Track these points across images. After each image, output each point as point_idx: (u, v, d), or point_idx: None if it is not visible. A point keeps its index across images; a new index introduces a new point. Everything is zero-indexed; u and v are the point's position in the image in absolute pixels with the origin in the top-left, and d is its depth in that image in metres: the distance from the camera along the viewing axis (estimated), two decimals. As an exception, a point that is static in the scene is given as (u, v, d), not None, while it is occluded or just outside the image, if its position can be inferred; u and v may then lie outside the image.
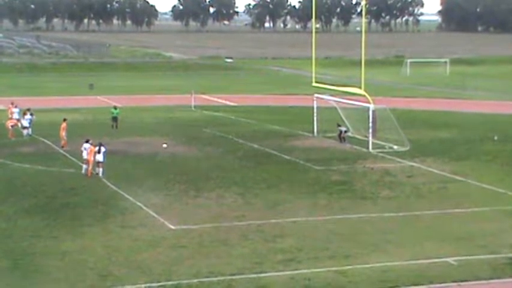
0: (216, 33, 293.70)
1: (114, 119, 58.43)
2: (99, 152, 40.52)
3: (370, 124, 49.70)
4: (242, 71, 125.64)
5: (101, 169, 40.51)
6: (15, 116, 55.49)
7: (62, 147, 48.32)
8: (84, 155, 41.06)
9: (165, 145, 49.74)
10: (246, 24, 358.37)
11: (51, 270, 25.89)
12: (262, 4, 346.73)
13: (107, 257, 27.31)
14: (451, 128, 60.30)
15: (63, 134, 48.69)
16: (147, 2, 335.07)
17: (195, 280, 25.07)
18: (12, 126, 52.99)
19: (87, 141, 41.67)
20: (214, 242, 29.12)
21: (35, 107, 60.47)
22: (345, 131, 52.83)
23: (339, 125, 53.18)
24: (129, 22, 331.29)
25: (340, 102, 56.11)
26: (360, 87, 50.80)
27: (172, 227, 31.19)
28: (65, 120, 49.99)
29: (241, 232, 30.46)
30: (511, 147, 50.87)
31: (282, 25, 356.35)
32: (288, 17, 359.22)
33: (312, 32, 59.53)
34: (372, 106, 49.97)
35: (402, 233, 30.66)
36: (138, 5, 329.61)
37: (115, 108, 60.00)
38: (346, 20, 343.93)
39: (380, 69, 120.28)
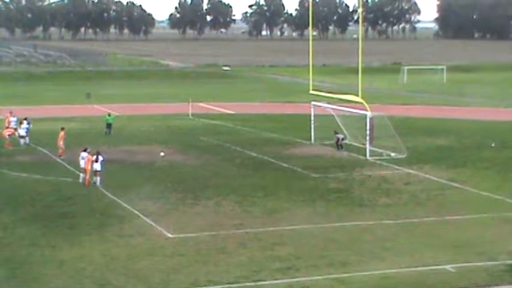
0: (213, 41, 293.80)
1: (109, 125, 59.10)
2: (96, 160, 40.50)
3: (368, 131, 49.73)
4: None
5: (98, 178, 40.48)
6: (12, 125, 55.42)
7: (60, 156, 48.27)
8: (82, 163, 41.03)
9: (162, 153, 49.72)
10: (243, 32, 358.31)
11: (49, 279, 25.86)
12: (259, 12, 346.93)
13: (104, 265, 27.28)
14: (449, 135, 60.34)
15: (60, 143, 48.66)
16: (144, 11, 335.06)
17: (193, 288, 25.09)
18: (9, 135, 52.94)
19: (84, 150, 41.64)
20: (212, 250, 29.10)
21: (32, 115, 60.42)
22: (342, 139, 52.83)
23: (336, 133, 53.20)
24: (126, 31, 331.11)
25: (337, 109, 56.15)
26: (357, 95, 50.85)
27: (170, 235, 31.17)
28: (62, 129, 50.03)
29: (239, 240, 30.44)
30: (508, 154, 50.92)
31: (279, 33, 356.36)
32: (285, 25, 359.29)
33: (309, 40, 59.60)
34: (369, 113, 50.01)
35: (400, 241, 30.66)
36: (135, 14, 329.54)
37: (109, 115, 60.91)
38: (343, 28, 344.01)
39: (377, 76, 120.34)
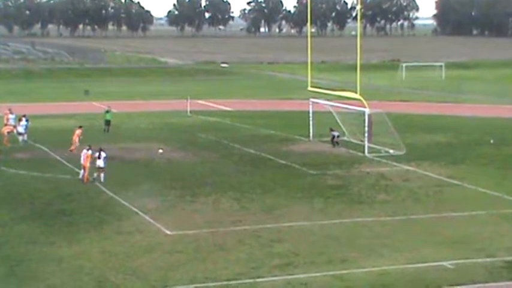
0: (212, 38, 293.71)
1: (107, 122, 59.11)
2: (99, 157, 40.62)
3: (366, 128, 49.74)
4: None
5: (102, 174, 40.56)
6: (11, 122, 55.37)
7: (71, 150, 48.27)
8: (82, 160, 41.05)
9: (160, 151, 49.74)
10: (241, 29, 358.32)
11: (48, 277, 25.86)
12: (257, 9, 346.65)
13: (103, 263, 27.29)
14: (447, 131, 60.37)
15: (76, 139, 48.85)
16: (143, 8, 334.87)
17: (192, 286, 25.08)
18: (8, 132, 52.97)
19: (89, 147, 41.73)
20: (211, 247, 29.11)
21: (31, 113, 60.38)
22: (338, 136, 52.74)
23: (332, 130, 53.09)
24: (124, 27, 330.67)
25: (335, 106, 56.15)
26: (356, 92, 50.85)
27: (169, 232, 31.17)
28: (80, 127, 50.68)
29: (237, 237, 30.45)
30: (507, 151, 50.95)
31: (277, 30, 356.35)
32: (284, 22, 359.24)
33: (307, 37, 59.58)
34: (367, 110, 50.00)
35: (398, 237, 30.67)
36: (133, 11, 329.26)
37: (107, 111, 60.92)
38: (342, 25, 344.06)
39: (375, 73, 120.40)
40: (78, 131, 49.64)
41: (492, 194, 38.36)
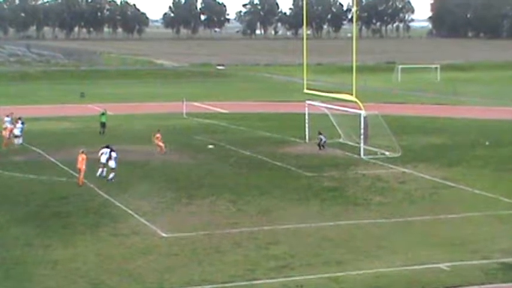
0: (207, 41, 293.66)
1: (103, 124, 59.14)
2: (110, 157, 41.08)
3: (362, 130, 49.74)
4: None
5: (111, 174, 40.74)
6: (7, 125, 55.17)
7: (164, 152, 49.57)
8: (102, 159, 41.50)
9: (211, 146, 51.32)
10: (237, 31, 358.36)
11: (43, 279, 25.81)
12: (253, 11, 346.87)
13: (98, 265, 27.24)
14: (443, 133, 60.40)
15: (157, 142, 49.94)
16: (138, 10, 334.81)
17: (188, 288, 25.07)
18: (9, 134, 52.98)
19: (106, 147, 42.31)
20: (207, 250, 29.08)
21: (26, 115, 60.25)
22: (325, 141, 52.45)
23: (320, 133, 52.85)
24: (120, 30, 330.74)
25: (331, 108, 56.15)
26: (352, 94, 50.85)
27: (164, 234, 31.13)
28: (158, 130, 51.62)
29: (233, 239, 30.42)
30: (503, 153, 50.99)
31: (273, 32, 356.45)
32: (279, 24, 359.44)
33: (303, 39, 59.59)
34: (363, 112, 50.01)
35: (394, 239, 30.67)
36: (129, 13, 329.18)
37: (103, 114, 60.94)
38: (337, 27, 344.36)
39: (371, 75, 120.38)
40: (157, 135, 50.63)
41: (488, 196, 38.39)
